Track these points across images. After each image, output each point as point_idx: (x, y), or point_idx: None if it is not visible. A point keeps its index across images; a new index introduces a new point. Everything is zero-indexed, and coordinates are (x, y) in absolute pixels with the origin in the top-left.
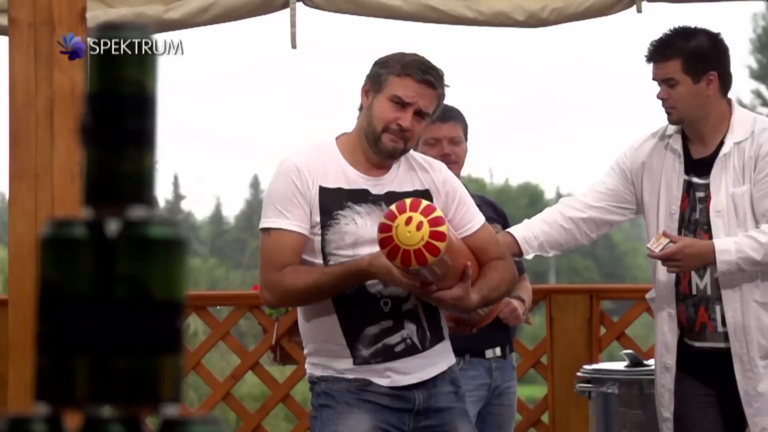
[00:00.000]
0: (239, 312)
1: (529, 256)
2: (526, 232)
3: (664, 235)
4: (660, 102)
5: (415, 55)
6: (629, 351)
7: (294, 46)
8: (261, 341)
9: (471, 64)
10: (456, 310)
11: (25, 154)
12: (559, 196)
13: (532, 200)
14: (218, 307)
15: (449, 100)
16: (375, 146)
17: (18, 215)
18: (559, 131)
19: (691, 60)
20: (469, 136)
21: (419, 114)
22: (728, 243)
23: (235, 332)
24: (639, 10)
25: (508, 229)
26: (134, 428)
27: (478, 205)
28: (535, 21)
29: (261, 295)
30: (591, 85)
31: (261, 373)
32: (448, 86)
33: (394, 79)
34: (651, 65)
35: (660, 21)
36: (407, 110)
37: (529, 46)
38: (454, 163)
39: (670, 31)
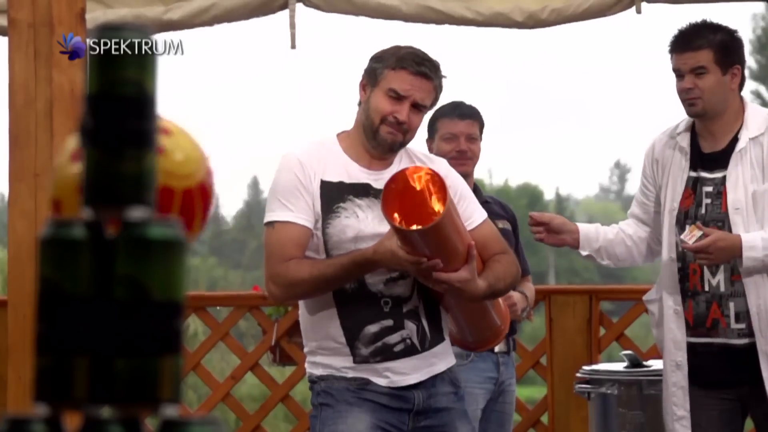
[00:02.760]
0: (239, 312)
1: (584, 252)
2: (592, 232)
3: (697, 227)
4: (679, 94)
5: (410, 47)
6: (628, 352)
7: (293, 46)
8: (260, 342)
9: (470, 65)
10: (463, 294)
11: (25, 154)
12: (558, 196)
13: (531, 201)
14: (218, 308)
15: (453, 98)
16: (373, 140)
17: (18, 215)
18: (558, 132)
19: (720, 51)
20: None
21: (416, 106)
22: (755, 239)
23: (235, 333)
24: (638, 11)
25: (577, 224)
26: (134, 428)
27: (488, 203)
28: (534, 22)
29: (267, 287)
30: (590, 86)
31: (260, 374)
32: (445, 77)
33: (390, 72)
34: (675, 56)
35: (659, 22)
36: (404, 103)
37: (529, 47)
38: (469, 159)
39: (696, 23)
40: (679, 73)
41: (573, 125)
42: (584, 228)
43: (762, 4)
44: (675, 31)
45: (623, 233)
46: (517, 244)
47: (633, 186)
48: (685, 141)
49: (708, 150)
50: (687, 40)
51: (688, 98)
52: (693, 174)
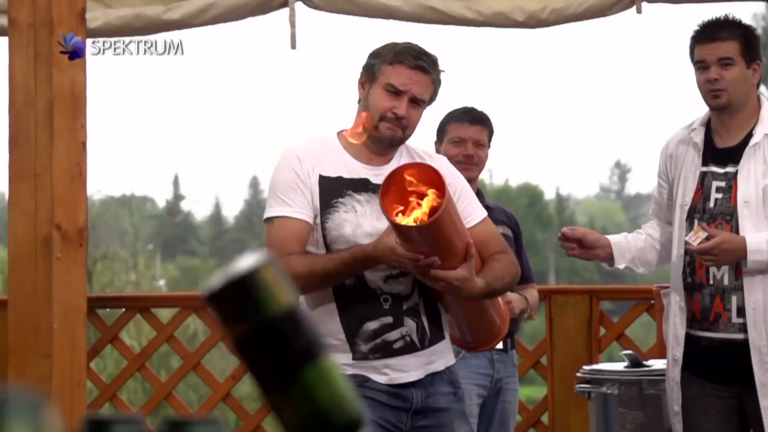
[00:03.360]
0: None
1: (620, 266)
2: (623, 243)
3: (702, 228)
4: (702, 86)
5: (408, 43)
6: (629, 352)
7: (294, 46)
8: None
9: (470, 64)
10: (461, 293)
11: (25, 154)
12: (558, 196)
13: (531, 201)
14: None
15: (457, 103)
16: (373, 136)
17: (18, 215)
18: (558, 132)
19: (745, 44)
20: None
21: (414, 101)
22: (761, 242)
23: None
24: (639, 11)
25: (606, 236)
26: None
27: (491, 208)
28: (534, 21)
29: None
30: (590, 86)
31: None
32: (443, 71)
33: (387, 67)
34: (700, 47)
35: (659, 22)
36: (402, 98)
37: (529, 47)
38: (475, 164)
39: (719, 17)
40: (704, 65)
41: (573, 125)
42: (615, 240)
43: (762, 4)
44: (699, 24)
45: (651, 238)
46: (520, 251)
47: (633, 186)
48: (699, 137)
49: (721, 145)
50: (714, 31)
51: (713, 89)
52: (704, 169)
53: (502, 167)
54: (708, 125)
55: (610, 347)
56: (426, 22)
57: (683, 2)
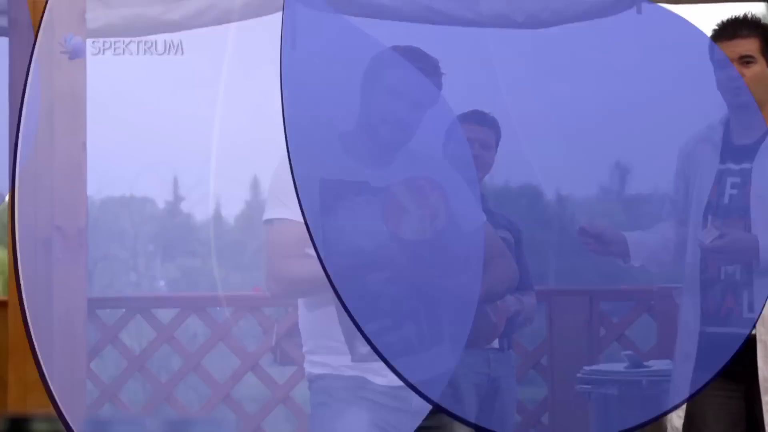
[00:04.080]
0: (239, 313)
1: (636, 263)
2: (639, 241)
3: (715, 227)
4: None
5: (409, 46)
6: (629, 352)
7: (293, 46)
8: (261, 342)
9: (470, 64)
10: (460, 299)
11: (25, 154)
12: (558, 196)
13: (531, 201)
14: (218, 309)
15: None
16: (374, 138)
17: (18, 216)
18: (558, 131)
19: (766, 42)
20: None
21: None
22: None
23: (235, 333)
24: (639, 11)
25: (623, 232)
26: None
27: (493, 212)
28: (534, 22)
29: (267, 284)
30: (590, 86)
31: (261, 375)
32: (444, 74)
33: (388, 71)
34: (720, 44)
35: (660, 22)
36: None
37: (529, 47)
38: (480, 166)
39: (737, 16)
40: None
41: (573, 125)
42: (631, 237)
43: (762, 4)
44: (717, 23)
45: (665, 238)
46: (520, 257)
47: (633, 186)
48: (718, 135)
49: (739, 143)
50: (735, 29)
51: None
52: (721, 167)
53: (502, 167)
54: (727, 124)
55: (610, 347)
56: (426, 23)
57: (683, 2)
